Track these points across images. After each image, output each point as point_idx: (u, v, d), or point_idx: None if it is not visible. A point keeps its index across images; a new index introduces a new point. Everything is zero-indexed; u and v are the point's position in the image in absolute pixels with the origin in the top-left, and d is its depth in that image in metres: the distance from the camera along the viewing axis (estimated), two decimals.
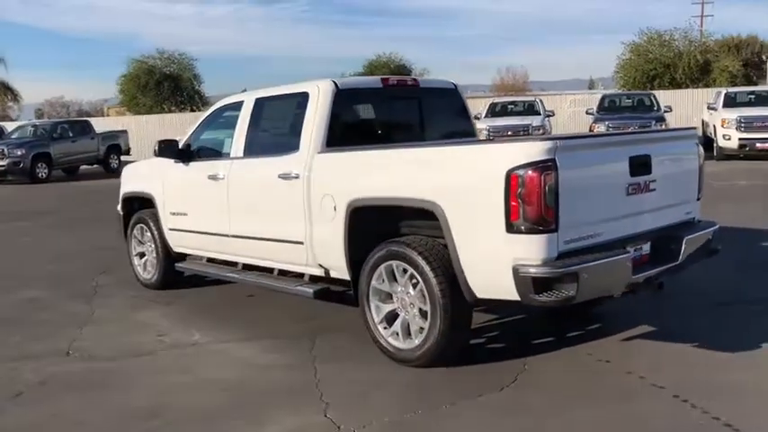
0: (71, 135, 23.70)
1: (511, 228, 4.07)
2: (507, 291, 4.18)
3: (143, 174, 7.61)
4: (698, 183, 5.16)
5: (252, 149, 6.04)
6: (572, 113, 26.43)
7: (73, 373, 5.10)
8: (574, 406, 4.08)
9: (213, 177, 6.25)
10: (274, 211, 5.70)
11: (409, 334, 4.77)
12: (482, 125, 18.03)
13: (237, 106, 6.33)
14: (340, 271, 5.28)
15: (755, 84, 38.34)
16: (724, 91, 19.59)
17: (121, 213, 7.82)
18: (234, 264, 6.53)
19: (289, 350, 5.37)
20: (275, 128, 6.27)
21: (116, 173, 24.58)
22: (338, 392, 4.44)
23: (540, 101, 21.38)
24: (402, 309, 4.83)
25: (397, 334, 4.83)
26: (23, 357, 5.48)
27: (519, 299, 4.15)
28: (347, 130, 5.64)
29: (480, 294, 4.41)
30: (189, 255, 7.12)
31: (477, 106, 21.65)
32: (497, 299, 4.41)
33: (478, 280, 4.35)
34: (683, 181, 5.02)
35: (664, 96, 23.71)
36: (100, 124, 27.49)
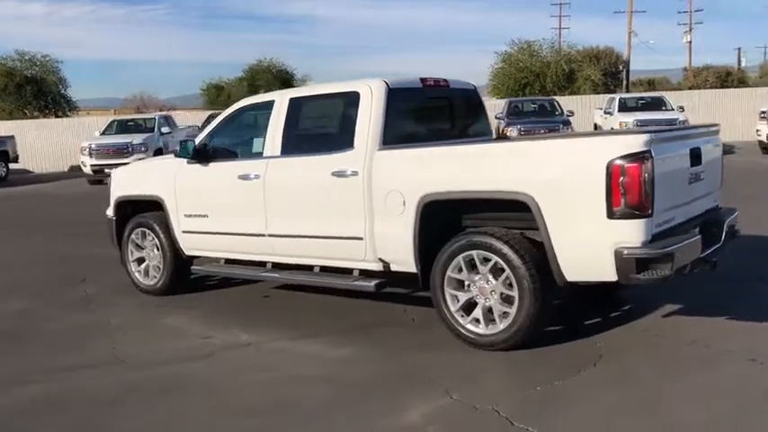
0: None
1: (612, 214, 4.44)
2: (603, 272, 4.56)
3: (145, 176, 7.37)
4: (721, 173, 5.79)
5: (291, 148, 6.05)
6: None
7: (151, 379, 4.93)
8: (674, 374, 4.49)
9: (245, 177, 6.20)
10: (326, 208, 5.76)
11: (492, 320, 5.02)
12: None
13: (266, 106, 6.31)
14: (405, 264, 5.44)
15: (614, 91, 41.50)
16: (618, 96, 21.36)
17: (114, 218, 7.50)
18: (261, 264, 6.49)
19: (356, 344, 5.46)
20: (319, 126, 6.33)
21: (5, 181, 22.97)
22: (446, 377, 4.61)
23: None
24: (480, 296, 5.07)
25: (478, 321, 5.07)
26: (73, 368, 5.22)
27: (615, 279, 4.54)
28: (396, 128, 5.78)
29: (571, 278, 4.74)
30: (198, 257, 7.00)
31: None
32: (588, 281, 4.77)
33: (573, 264, 4.68)
34: (714, 171, 5.62)
35: None
36: None
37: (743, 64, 55.45)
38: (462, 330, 5.13)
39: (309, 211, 5.89)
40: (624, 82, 45.60)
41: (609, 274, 4.54)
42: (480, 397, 4.25)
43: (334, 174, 5.64)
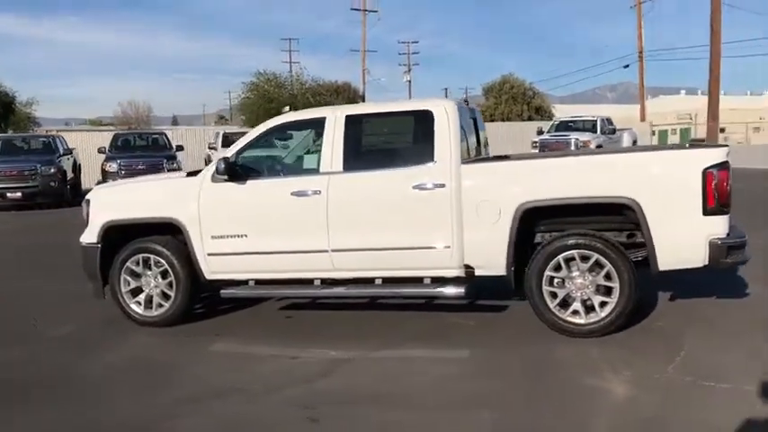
0: None
1: (706, 211, 5.46)
2: (696, 260, 5.55)
3: (149, 197, 6.75)
4: None
5: (355, 164, 6.17)
6: None
7: (309, 398, 4.76)
8: (749, 336, 5.61)
9: (300, 194, 6.14)
10: (405, 220, 5.98)
11: (592, 310, 5.71)
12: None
13: (315, 123, 6.37)
14: (495, 268, 5.90)
15: None
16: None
17: (99, 246, 6.71)
18: (299, 282, 6.44)
19: (462, 346, 5.84)
20: (387, 143, 6.47)
21: None
22: (586, 361, 5.22)
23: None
24: (577, 290, 5.75)
25: (576, 312, 5.73)
26: (204, 398, 4.82)
27: (705, 264, 5.54)
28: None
29: (664, 267, 5.64)
30: (221, 280, 6.63)
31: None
32: (677, 268, 5.70)
33: (669, 255, 5.59)
34: None
35: None
36: None
37: None
38: (562, 323, 5.75)
39: (385, 223, 6.05)
40: None
41: (700, 260, 5.54)
42: (647, 370, 4.93)
43: (415, 187, 5.92)
